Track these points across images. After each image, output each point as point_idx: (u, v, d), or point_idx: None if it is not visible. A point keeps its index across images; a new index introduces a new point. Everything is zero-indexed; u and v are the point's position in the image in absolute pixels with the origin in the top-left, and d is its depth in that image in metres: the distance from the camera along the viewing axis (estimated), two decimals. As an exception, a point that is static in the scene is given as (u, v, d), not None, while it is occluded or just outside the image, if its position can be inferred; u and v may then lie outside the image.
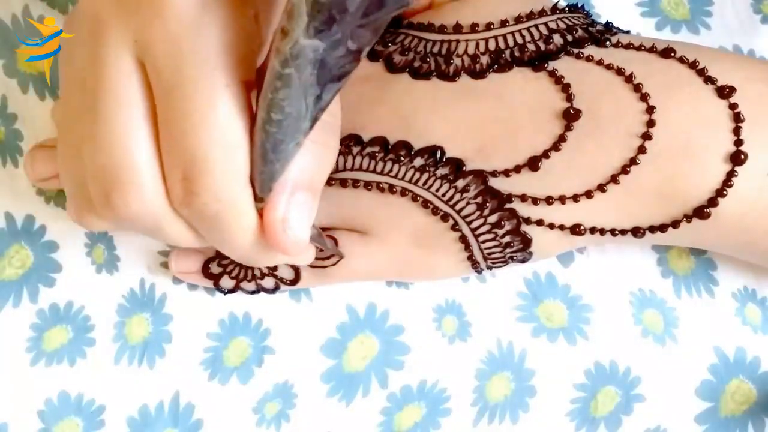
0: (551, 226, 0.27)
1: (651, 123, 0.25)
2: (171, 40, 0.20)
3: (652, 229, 0.27)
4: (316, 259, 0.28)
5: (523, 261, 0.28)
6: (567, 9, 0.28)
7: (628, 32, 0.28)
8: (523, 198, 0.27)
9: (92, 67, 0.22)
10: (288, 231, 0.22)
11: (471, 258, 0.28)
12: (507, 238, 0.27)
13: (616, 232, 0.27)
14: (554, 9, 0.28)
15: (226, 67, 0.21)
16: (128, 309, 0.30)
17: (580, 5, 0.29)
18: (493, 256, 0.28)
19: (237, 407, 0.30)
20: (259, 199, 0.22)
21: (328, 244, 0.27)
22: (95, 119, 0.22)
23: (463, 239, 0.28)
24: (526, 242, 0.27)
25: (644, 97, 0.25)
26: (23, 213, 0.30)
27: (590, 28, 0.27)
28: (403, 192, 0.27)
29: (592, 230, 0.27)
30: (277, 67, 0.18)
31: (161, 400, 0.30)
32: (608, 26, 0.28)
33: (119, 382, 0.30)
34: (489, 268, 0.29)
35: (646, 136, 0.25)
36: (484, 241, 0.27)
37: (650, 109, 0.25)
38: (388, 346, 0.30)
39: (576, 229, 0.27)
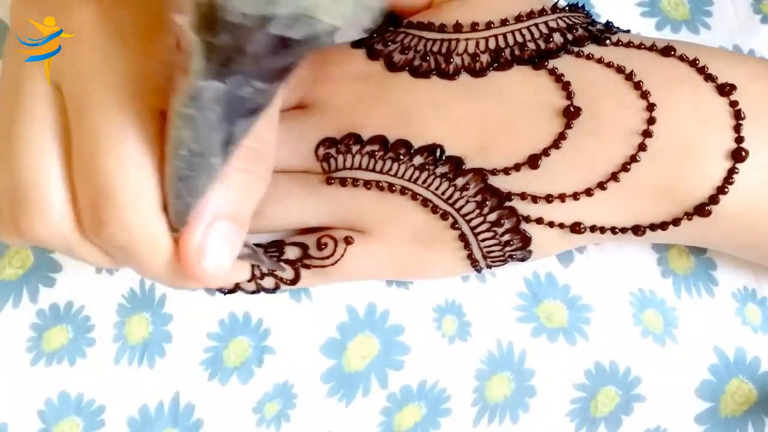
0: (551, 224, 0.27)
1: (651, 120, 0.25)
2: (82, 65, 0.20)
3: (653, 227, 0.27)
4: (315, 258, 0.28)
5: (522, 260, 0.28)
6: (567, 8, 0.28)
7: (628, 32, 0.28)
8: (523, 196, 0.27)
9: (10, 86, 0.21)
10: (204, 261, 0.22)
11: (470, 257, 0.28)
12: (506, 237, 0.27)
13: (617, 230, 0.27)
14: (554, 8, 0.28)
15: (136, 95, 0.20)
16: (128, 309, 0.30)
17: (580, 5, 0.29)
18: (492, 254, 0.28)
19: (237, 407, 0.30)
20: (174, 228, 0.22)
21: (266, 261, 0.27)
22: (7, 137, 0.21)
23: (462, 238, 0.28)
24: (526, 241, 0.27)
25: (644, 95, 0.25)
26: (23, 213, 0.30)
27: (590, 27, 0.27)
28: (403, 191, 0.27)
29: (592, 228, 0.27)
30: (177, 107, 0.18)
31: (161, 400, 0.30)
32: (608, 25, 0.28)
33: (119, 382, 0.30)
34: (488, 266, 0.29)
35: (647, 134, 0.25)
36: (483, 240, 0.27)
37: (650, 107, 0.25)
38: (388, 346, 0.30)
39: (576, 228, 0.27)
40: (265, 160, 0.23)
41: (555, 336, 0.30)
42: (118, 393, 0.30)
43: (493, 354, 0.30)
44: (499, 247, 0.28)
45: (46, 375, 0.30)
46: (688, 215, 0.26)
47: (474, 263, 0.28)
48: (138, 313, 0.30)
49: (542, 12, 0.27)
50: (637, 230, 0.27)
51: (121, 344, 0.30)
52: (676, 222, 0.26)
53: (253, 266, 0.29)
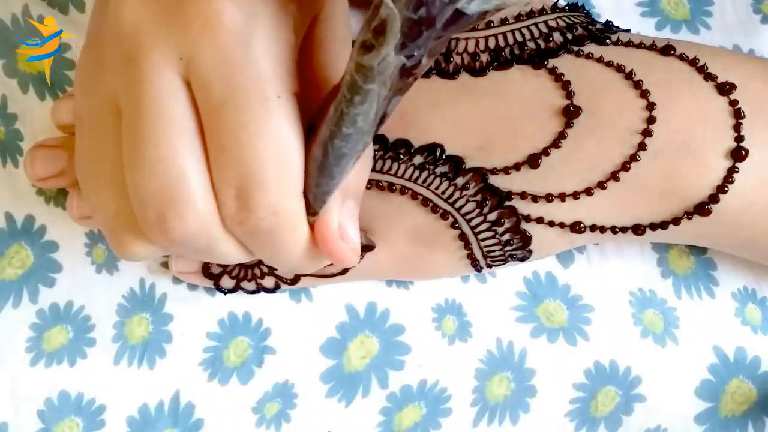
0: (551, 223, 0.27)
1: (651, 120, 0.25)
2: (222, 52, 0.20)
3: (653, 226, 0.27)
4: None
5: (522, 259, 0.28)
6: (567, 8, 0.28)
7: (627, 31, 0.28)
8: (523, 196, 0.27)
9: (131, 90, 0.21)
10: (345, 239, 0.22)
11: (470, 256, 0.28)
12: (506, 236, 0.27)
13: (617, 229, 0.27)
14: (554, 7, 0.28)
15: (277, 77, 0.20)
16: (128, 309, 0.30)
17: (580, 4, 0.29)
18: (492, 254, 0.28)
19: (237, 407, 0.30)
20: (312, 212, 0.22)
21: (362, 238, 0.27)
22: (141, 142, 0.21)
23: (462, 237, 0.28)
24: (526, 240, 0.27)
25: (644, 94, 0.25)
26: (23, 213, 0.30)
27: (590, 27, 0.27)
28: (403, 190, 0.27)
29: (592, 228, 0.27)
30: (359, 82, 0.18)
31: (161, 400, 0.30)
32: (608, 25, 0.28)
33: (119, 382, 0.30)
34: (488, 266, 0.29)
35: (647, 133, 0.25)
36: (483, 239, 0.27)
37: (650, 106, 0.25)
38: (388, 345, 0.30)
39: (576, 227, 0.27)
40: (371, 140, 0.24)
41: (555, 336, 0.30)
42: (118, 393, 0.30)
43: (493, 354, 0.30)
44: (499, 247, 0.28)
45: (46, 375, 0.29)
46: (689, 214, 0.26)
47: (474, 263, 0.28)
48: (138, 313, 0.30)
49: (542, 11, 0.28)
50: (638, 230, 0.27)
51: (121, 344, 0.30)
52: (676, 221, 0.26)
53: (255, 266, 0.29)
